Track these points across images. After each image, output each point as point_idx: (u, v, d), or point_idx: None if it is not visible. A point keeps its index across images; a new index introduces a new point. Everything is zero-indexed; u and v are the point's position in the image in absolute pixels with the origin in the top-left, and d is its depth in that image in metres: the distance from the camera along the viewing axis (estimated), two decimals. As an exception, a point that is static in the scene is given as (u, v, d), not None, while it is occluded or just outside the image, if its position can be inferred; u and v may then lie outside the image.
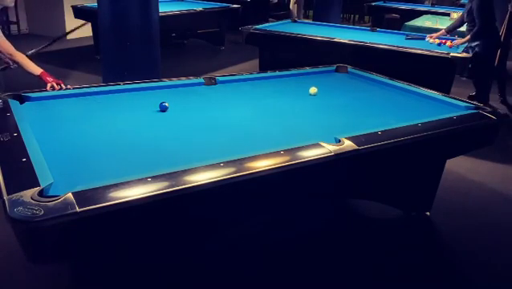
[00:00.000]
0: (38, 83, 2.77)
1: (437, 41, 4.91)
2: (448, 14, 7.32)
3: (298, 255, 2.63)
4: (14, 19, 8.25)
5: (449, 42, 4.84)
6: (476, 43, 4.88)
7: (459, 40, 4.84)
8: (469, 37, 4.85)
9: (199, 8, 7.14)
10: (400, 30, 6.28)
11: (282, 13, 10.17)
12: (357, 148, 2.06)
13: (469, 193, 3.49)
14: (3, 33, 2.94)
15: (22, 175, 1.61)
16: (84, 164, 1.86)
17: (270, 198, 1.97)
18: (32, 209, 1.38)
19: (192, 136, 2.25)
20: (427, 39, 5.00)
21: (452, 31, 5.25)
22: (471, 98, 5.01)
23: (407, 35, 5.33)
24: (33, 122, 2.19)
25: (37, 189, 1.50)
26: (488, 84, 5.23)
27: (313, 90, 2.99)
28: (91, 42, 6.96)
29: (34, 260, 1.50)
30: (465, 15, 5.01)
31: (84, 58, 6.90)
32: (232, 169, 1.74)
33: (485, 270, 2.64)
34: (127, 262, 1.81)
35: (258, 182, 1.80)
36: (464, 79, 5.68)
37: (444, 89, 3.89)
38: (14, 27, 8.37)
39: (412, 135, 2.29)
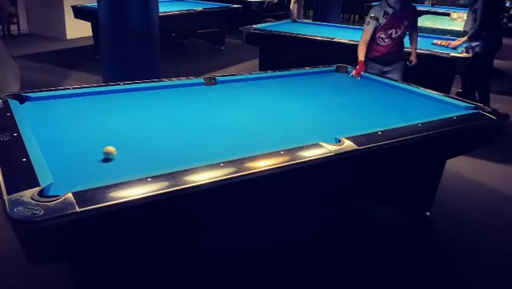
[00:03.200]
0: (38, 84, 2.77)
1: (444, 43, 4.92)
2: (448, 14, 7.33)
3: (297, 255, 2.63)
4: (14, 19, 8.25)
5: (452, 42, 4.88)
6: (476, 43, 4.87)
7: (457, 41, 4.85)
8: (466, 38, 4.85)
9: (199, 8, 7.15)
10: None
11: (282, 13, 10.17)
12: (357, 148, 2.06)
13: (469, 193, 3.49)
14: (3, 33, 2.97)
15: (22, 175, 1.61)
16: (84, 164, 1.86)
17: (269, 198, 1.97)
18: (32, 209, 1.38)
19: (192, 136, 2.25)
20: (450, 46, 4.87)
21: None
22: (458, 94, 4.98)
23: None
24: (33, 122, 2.18)
25: (37, 189, 1.50)
26: (488, 85, 5.23)
27: (109, 150, 1.92)
28: (91, 42, 6.97)
29: (34, 260, 1.50)
30: (470, 15, 5.02)
31: (84, 58, 6.90)
32: (232, 169, 1.74)
33: (485, 270, 2.64)
34: (127, 261, 1.81)
35: (258, 182, 1.80)
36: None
37: (445, 89, 3.89)
38: (13, 27, 8.36)
39: (412, 135, 2.29)
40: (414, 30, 4.01)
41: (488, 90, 5.20)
